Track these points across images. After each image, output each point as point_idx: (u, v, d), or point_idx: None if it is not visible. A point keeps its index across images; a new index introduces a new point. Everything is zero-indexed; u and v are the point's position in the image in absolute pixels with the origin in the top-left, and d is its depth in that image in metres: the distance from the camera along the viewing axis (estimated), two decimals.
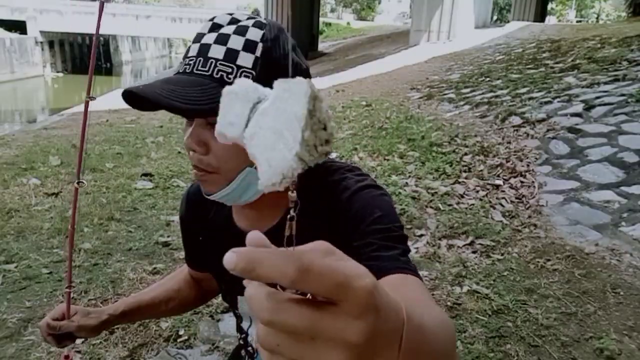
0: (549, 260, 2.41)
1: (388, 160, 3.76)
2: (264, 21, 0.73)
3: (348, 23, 29.81)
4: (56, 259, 2.40)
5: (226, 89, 0.41)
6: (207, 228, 0.93)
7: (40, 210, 2.96)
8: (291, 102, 0.36)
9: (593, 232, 2.66)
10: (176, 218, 2.85)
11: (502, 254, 2.49)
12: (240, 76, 0.69)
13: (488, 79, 5.94)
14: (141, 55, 28.17)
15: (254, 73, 0.70)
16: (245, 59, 0.70)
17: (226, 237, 0.88)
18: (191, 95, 0.67)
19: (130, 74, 23.74)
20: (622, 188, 2.97)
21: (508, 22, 14.33)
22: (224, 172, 0.74)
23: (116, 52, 25.62)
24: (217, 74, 0.69)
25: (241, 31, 0.71)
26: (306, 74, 0.76)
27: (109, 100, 5.83)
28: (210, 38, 0.70)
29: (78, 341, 1.81)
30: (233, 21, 0.72)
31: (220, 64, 0.69)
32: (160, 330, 1.89)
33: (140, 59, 27.62)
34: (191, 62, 0.70)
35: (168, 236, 2.65)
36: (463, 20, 10.91)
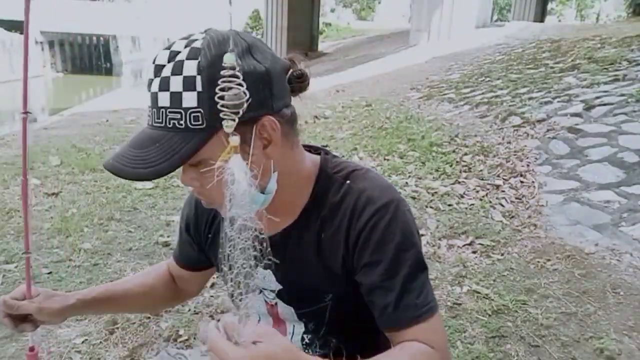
0: (549, 260, 2.41)
1: (388, 160, 3.76)
2: (199, 45, 0.67)
3: (348, 23, 29.80)
4: (56, 259, 2.41)
5: None
6: (217, 224, 0.92)
7: (40, 210, 2.96)
8: None
9: (593, 232, 2.66)
10: (176, 218, 2.85)
11: (502, 254, 2.50)
12: (189, 118, 0.66)
13: (488, 79, 5.94)
14: (141, 55, 28.15)
15: (202, 111, 0.66)
16: (189, 99, 0.66)
17: None
18: (151, 157, 0.67)
19: (130, 74, 23.73)
20: (622, 188, 2.97)
21: (508, 22, 14.33)
22: (221, 203, 0.74)
23: (116, 52, 25.60)
24: (169, 123, 0.67)
25: (177, 69, 0.66)
26: (266, 75, 0.69)
27: (109, 100, 5.83)
28: (155, 85, 0.68)
29: (78, 340, 1.81)
30: (171, 57, 0.68)
31: (169, 112, 0.67)
32: (160, 330, 1.89)
33: (140, 59, 27.61)
34: (150, 113, 0.70)
35: (168, 236, 2.65)
36: (463, 20, 10.90)
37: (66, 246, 2.53)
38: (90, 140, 4.69)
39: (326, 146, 4.20)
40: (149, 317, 1.96)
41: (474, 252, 2.53)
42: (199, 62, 0.66)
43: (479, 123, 4.43)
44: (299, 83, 0.77)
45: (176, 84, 0.66)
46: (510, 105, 4.59)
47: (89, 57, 24.02)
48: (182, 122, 0.67)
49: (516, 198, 3.11)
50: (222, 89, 0.64)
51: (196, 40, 0.68)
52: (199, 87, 0.65)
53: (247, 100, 0.65)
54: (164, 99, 0.67)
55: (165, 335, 1.87)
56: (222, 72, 0.64)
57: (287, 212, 0.82)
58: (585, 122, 3.83)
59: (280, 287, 0.85)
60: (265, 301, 0.89)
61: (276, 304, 0.88)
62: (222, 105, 0.64)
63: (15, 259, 2.38)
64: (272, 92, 0.71)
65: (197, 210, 0.96)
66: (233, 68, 0.65)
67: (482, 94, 5.28)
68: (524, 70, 5.95)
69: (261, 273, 0.86)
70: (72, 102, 11.73)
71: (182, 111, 0.66)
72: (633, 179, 3.02)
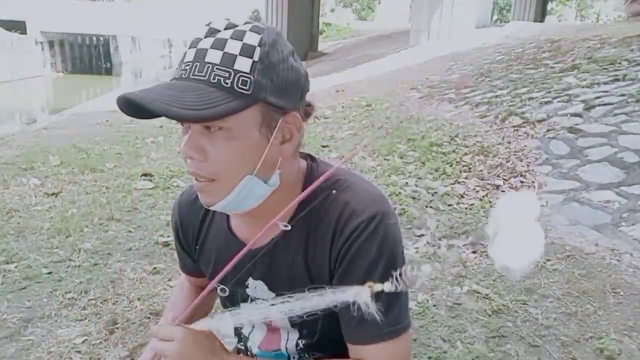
0: (549, 260, 2.41)
1: (388, 160, 3.76)
2: (262, 26, 0.71)
3: (348, 23, 29.78)
4: (56, 259, 2.40)
5: None
6: (204, 236, 0.91)
7: (40, 210, 2.96)
8: None
9: (593, 232, 2.66)
10: None
11: None
12: (237, 80, 0.68)
13: (488, 79, 5.94)
14: (141, 55, 28.15)
15: (252, 77, 0.68)
16: (243, 64, 0.68)
17: (225, 246, 0.86)
18: (188, 101, 0.65)
19: (130, 74, 23.73)
20: (622, 188, 2.97)
21: (508, 22, 14.32)
22: (223, 180, 0.72)
23: (116, 52, 25.59)
24: (214, 78, 0.67)
25: (238, 36, 0.69)
26: (305, 79, 0.75)
27: (109, 100, 5.82)
28: (207, 43, 0.69)
29: (78, 340, 1.81)
30: (230, 26, 0.71)
31: (217, 68, 0.67)
32: None
33: (140, 59, 27.61)
34: (187, 67, 0.69)
35: (168, 236, 2.65)
36: (463, 20, 10.90)
37: (66, 246, 2.53)
38: (90, 140, 4.69)
39: (326, 146, 4.16)
40: (149, 317, 1.96)
41: (474, 252, 2.53)
42: (261, 37, 0.70)
43: (479, 123, 4.43)
44: (307, 108, 0.80)
45: (234, 47, 0.69)
46: (510, 105, 4.59)
47: (89, 57, 24.00)
48: (228, 81, 0.68)
49: None
50: (276, 69, 0.70)
51: (252, 23, 0.73)
52: (255, 57, 0.69)
53: (288, 89, 0.72)
54: (214, 56, 0.68)
55: None
56: (279, 55, 0.70)
57: (273, 224, 0.80)
58: (585, 122, 3.83)
59: (273, 295, 0.85)
60: None
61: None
62: (272, 81, 0.69)
63: (15, 259, 2.38)
64: (302, 94, 0.75)
65: (182, 222, 0.94)
66: (291, 54, 0.73)
67: (482, 94, 5.28)
68: (524, 70, 5.95)
69: (252, 283, 0.85)
70: (72, 102, 11.73)
71: (231, 71, 0.68)
72: (633, 179, 3.02)
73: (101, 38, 24.23)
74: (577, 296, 2.12)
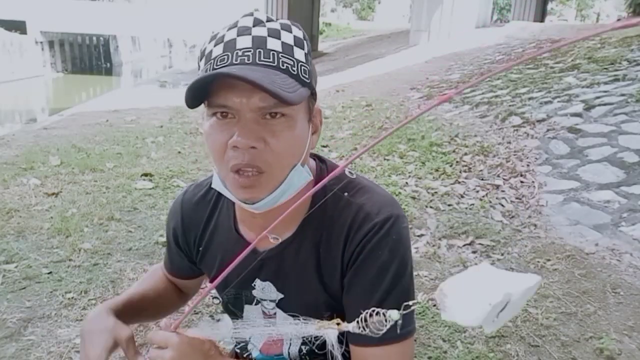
0: (549, 260, 2.41)
1: (388, 160, 3.76)
2: (295, 23, 0.74)
3: (348, 23, 29.77)
4: (56, 259, 2.41)
5: (491, 302, 0.51)
6: (208, 237, 0.90)
7: (40, 210, 2.96)
8: (523, 301, 0.54)
9: (593, 232, 2.66)
10: None
11: (502, 254, 2.49)
12: (300, 69, 0.69)
13: (488, 78, 5.94)
14: (141, 55, 28.14)
15: (308, 67, 0.70)
16: (299, 54, 0.70)
17: (232, 248, 0.84)
18: (279, 83, 0.64)
19: (130, 74, 23.72)
20: (622, 188, 2.97)
21: (508, 22, 14.31)
22: (276, 170, 0.70)
23: (116, 52, 25.59)
24: (282, 65, 0.67)
25: (286, 28, 0.71)
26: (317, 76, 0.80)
27: (109, 100, 5.81)
28: (261, 31, 0.68)
29: (78, 340, 1.81)
30: (270, 19, 0.72)
31: (282, 55, 0.68)
32: None
33: (140, 59, 27.60)
34: (248, 52, 0.67)
35: None
36: (463, 20, 10.90)
37: (66, 246, 2.53)
38: (90, 140, 4.69)
39: (326, 146, 4.16)
40: None
41: (474, 252, 2.53)
42: (302, 32, 0.72)
43: (479, 123, 4.43)
44: None
45: (287, 37, 0.69)
46: (510, 105, 4.59)
47: (89, 57, 23.98)
48: (294, 68, 0.68)
49: (516, 198, 3.11)
50: (312, 63, 0.73)
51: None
52: (305, 49, 0.71)
53: (316, 84, 0.75)
54: (275, 44, 0.68)
55: None
56: (310, 50, 0.73)
57: (285, 224, 0.78)
58: (585, 122, 3.83)
59: (281, 296, 0.84)
60: (263, 312, 0.87)
61: (275, 314, 0.86)
62: (313, 73, 0.72)
63: (15, 259, 2.38)
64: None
65: (184, 222, 0.92)
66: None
67: (482, 94, 5.28)
68: (524, 70, 5.95)
69: (260, 285, 0.85)
70: (72, 102, 11.72)
71: (294, 60, 0.69)
72: (633, 179, 3.02)
73: (101, 38, 24.23)
74: (577, 296, 2.12)
